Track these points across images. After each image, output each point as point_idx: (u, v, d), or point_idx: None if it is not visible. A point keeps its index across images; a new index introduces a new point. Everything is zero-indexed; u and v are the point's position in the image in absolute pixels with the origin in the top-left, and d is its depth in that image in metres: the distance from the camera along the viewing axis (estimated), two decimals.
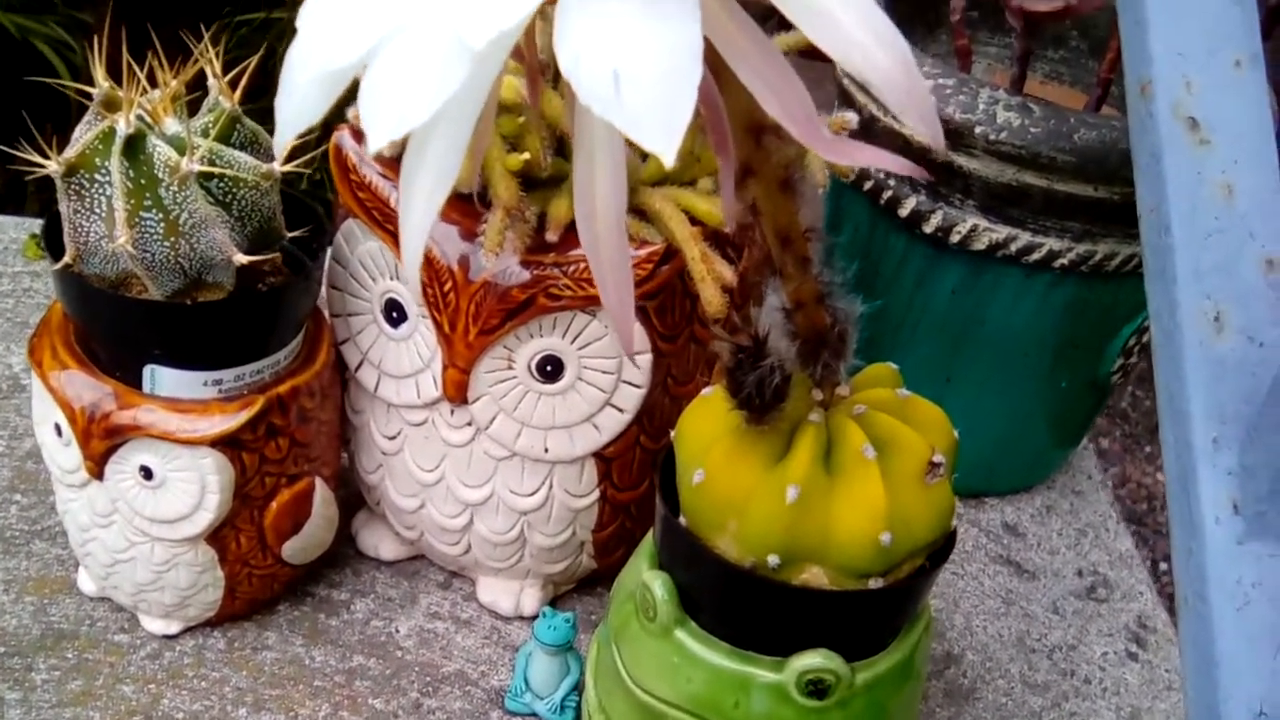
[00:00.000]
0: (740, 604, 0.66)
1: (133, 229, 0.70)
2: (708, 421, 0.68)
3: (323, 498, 0.83)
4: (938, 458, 0.67)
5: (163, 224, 0.71)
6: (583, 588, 0.90)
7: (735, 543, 0.66)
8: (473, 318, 0.76)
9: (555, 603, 0.89)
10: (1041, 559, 0.97)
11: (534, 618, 0.87)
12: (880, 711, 0.69)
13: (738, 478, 0.65)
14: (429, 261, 0.76)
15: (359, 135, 0.79)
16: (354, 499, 0.90)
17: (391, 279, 0.79)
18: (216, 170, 0.71)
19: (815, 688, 0.67)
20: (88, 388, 0.76)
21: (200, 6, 1.94)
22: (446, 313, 0.77)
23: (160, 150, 0.70)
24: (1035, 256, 0.87)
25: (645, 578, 0.70)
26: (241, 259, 0.72)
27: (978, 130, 0.84)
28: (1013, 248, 0.87)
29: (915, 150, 0.87)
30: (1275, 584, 0.61)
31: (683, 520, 0.68)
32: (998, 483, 1.02)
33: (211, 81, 0.74)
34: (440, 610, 0.88)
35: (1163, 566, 2.35)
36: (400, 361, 0.81)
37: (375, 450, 0.85)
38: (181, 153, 0.70)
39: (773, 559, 0.64)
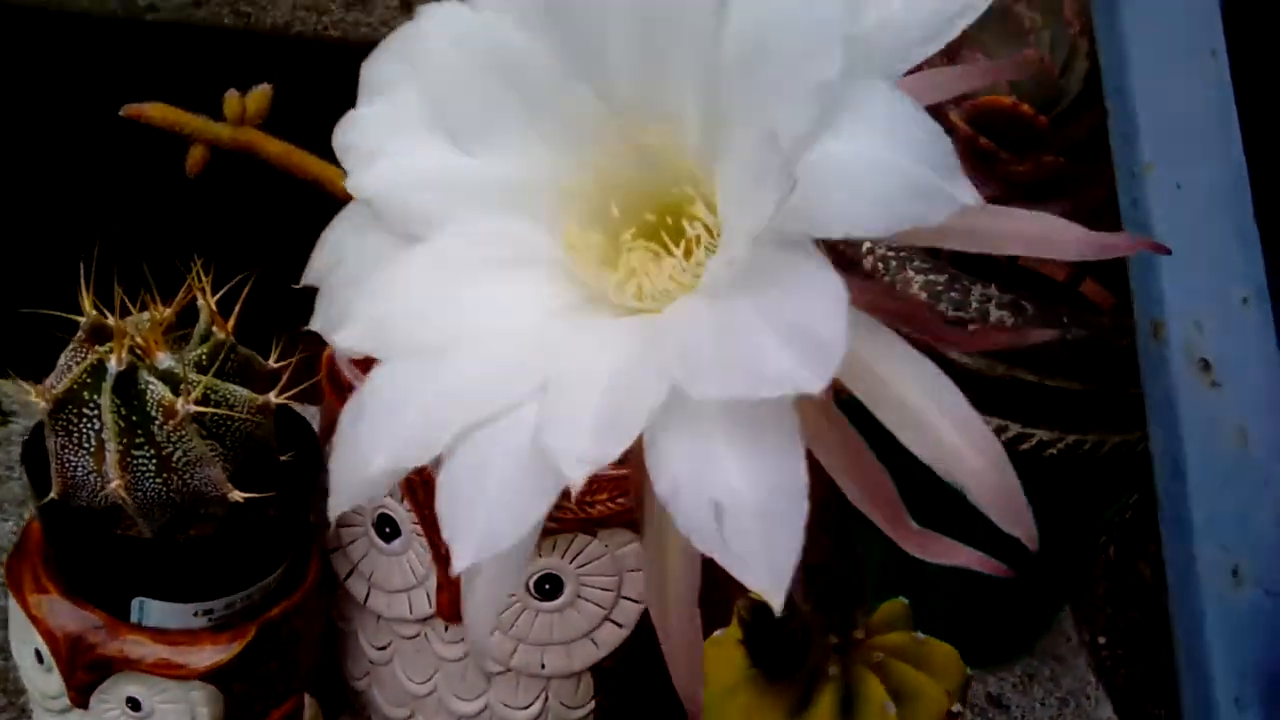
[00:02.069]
0: None
1: (126, 472, 0.68)
2: (721, 669, 0.67)
3: (311, 714, 0.80)
4: (956, 708, 0.67)
5: (155, 461, 0.68)
6: None
7: None
8: None
9: None
10: None
11: None
12: None
13: None
14: (425, 482, 0.74)
15: None
16: (339, 695, 0.88)
17: (385, 495, 0.78)
18: (211, 411, 0.69)
19: None
20: (72, 617, 0.73)
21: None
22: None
23: (154, 389, 0.68)
24: (1026, 446, 0.87)
25: None
26: (238, 496, 0.70)
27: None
28: (1003, 438, 0.87)
29: None
30: None
31: None
32: (982, 655, 1.02)
33: (202, 306, 0.72)
34: None
35: (1100, 639, 2.37)
36: (392, 576, 0.79)
37: (363, 658, 0.83)
38: (175, 390, 0.68)
39: None
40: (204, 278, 0.72)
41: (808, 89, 0.37)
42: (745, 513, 0.36)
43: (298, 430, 0.77)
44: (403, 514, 0.77)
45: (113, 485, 0.68)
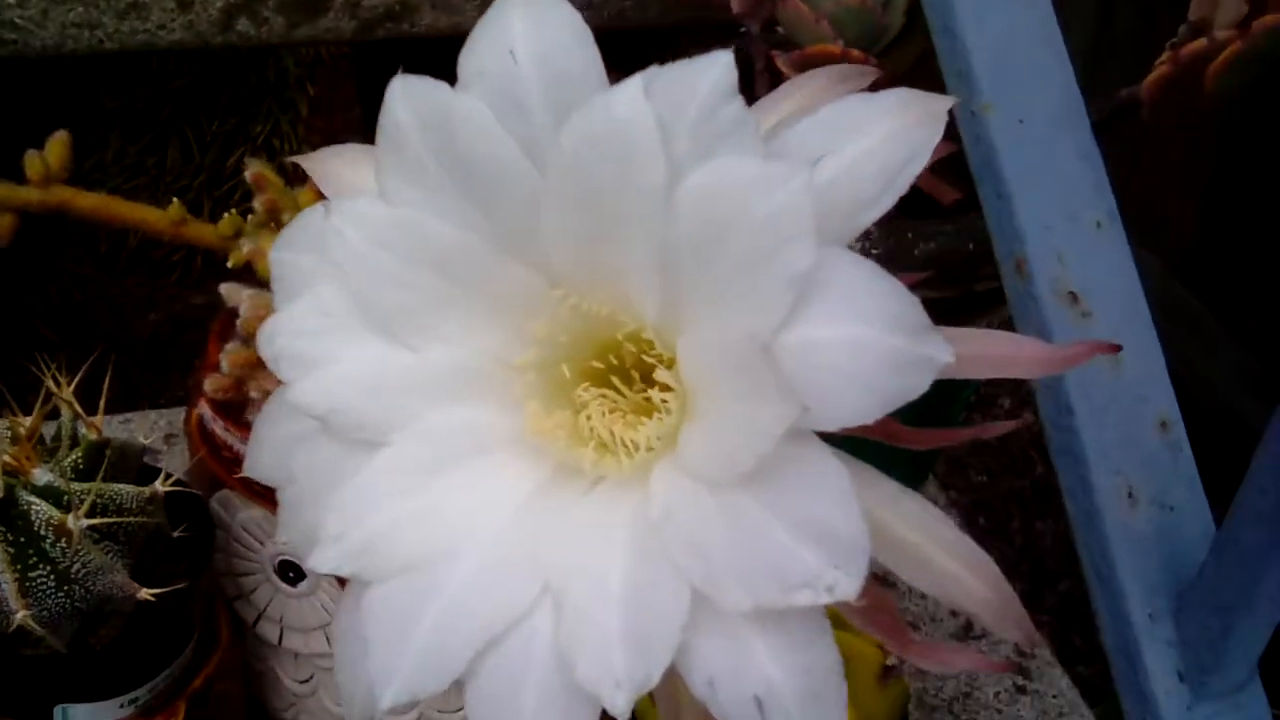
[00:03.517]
0: None
1: (26, 598, 0.65)
2: None
3: None
4: (890, 661, 0.70)
5: (53, 578, 0.66)
6: None
7: None
8: None
9: None
10: (916, 606, 1.02)
11: None
12: None
13: None
14: None
15: (217, 406, 0.75)
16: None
17: (283, 542, 0.76)
18: (104, 521, 0.66)
19: None
20: None
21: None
22: None
23: (37, 508, 0.65)
24: None
25: None
26: (147, 595, 0.68)
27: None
28: None
29: None
30: None
31: None
32: None
33: (63, 406, 0.69)
34: None
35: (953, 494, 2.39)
36: (304, 616, 0.78)
37: (285, 692, 0.83)
38: (59, 504, 0.65)
39: None
40: (60, 377, 0.68)
41: (780, 281, 0.36)
42: (787, 701, 0.37)
43: (185, 502, 0.74)
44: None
45: (19, 617, 0.65)
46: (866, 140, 0.39)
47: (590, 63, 0.39)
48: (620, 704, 0.37)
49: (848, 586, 0.35)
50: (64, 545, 0.65)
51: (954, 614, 1.03)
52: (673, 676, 0.44)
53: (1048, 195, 0.71)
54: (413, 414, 0.42)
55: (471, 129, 0.40)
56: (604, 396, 0.43)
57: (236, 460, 0.74)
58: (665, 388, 0.41)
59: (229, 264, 0.78)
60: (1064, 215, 0.70)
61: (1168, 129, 0.81)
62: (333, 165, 0.45)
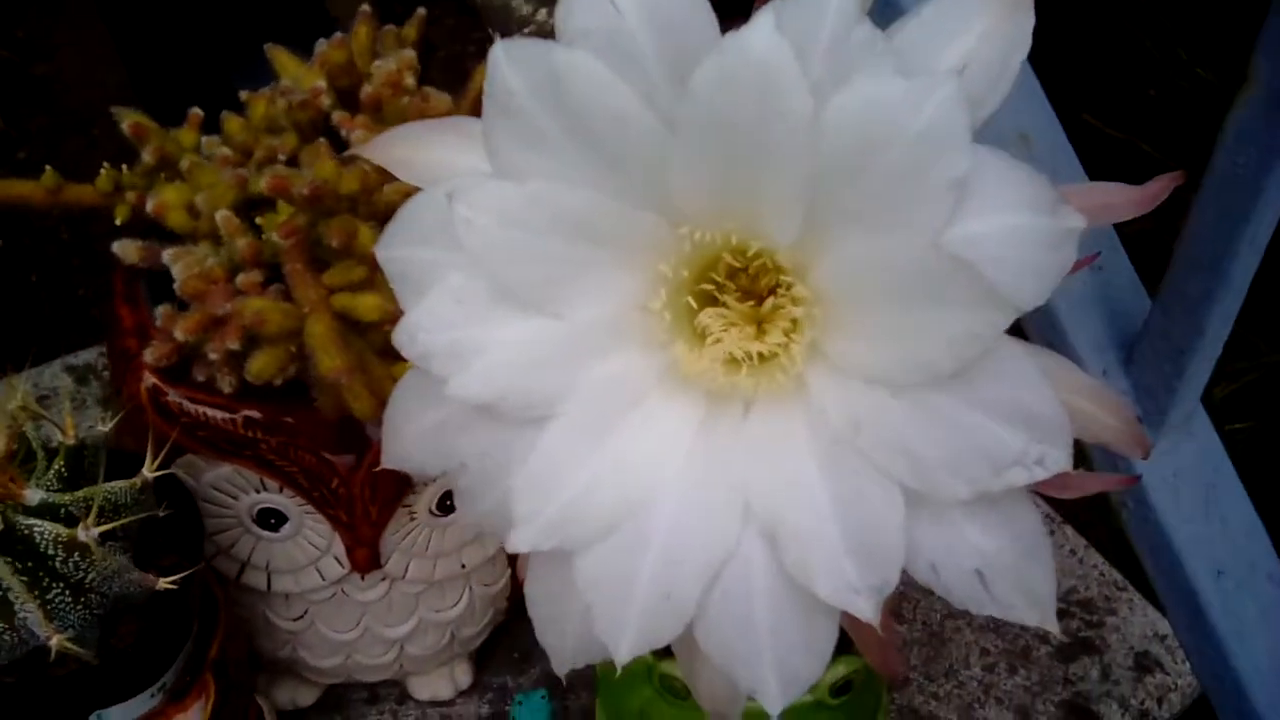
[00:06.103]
0: None
1: (53, 620, 0.64)
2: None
3: (268, 709, 0.81)
4: None
5: (68, 592, 0.64)
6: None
7: None
8: (370, 500, 0.74)
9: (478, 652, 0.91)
10: None
11: (471, 689, 0.89)
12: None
13: None
14: (305, 469, 0.73)
15: (160, 374, 0.72)
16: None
17: (258, 491, 0.75)
18: (110, 526, 0.64)
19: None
20: None
21: None
22: (340, 506, 0.74)
23: (40, 530, 0.63)
24: None
25: (664, 668, 0.74)
26: (166, 584, 0.67)
27: None
28: None
29: None
30: (1189, 464, 0.73)
31: None
32: None
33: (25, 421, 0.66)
34: None
35: None
36: (293, 557, 0.78)
37: (278, 632, 0.82)
38: (59, 520, 0.63)
39: None
40: (22, 392, 0.65)
41: (940, 189, 0.38)
42: (1004, 568, 0.41)
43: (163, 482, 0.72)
44: (285, 501, 0.75)
45: (54, 643, 0.63)
46: (968, 39, 0.40)
47: (696, 2, 0.40)
48: (868, 610, 0.39)
49: (1057, 458, 0.38)
50: (77, 559, 0.63)
51: None
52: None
53: None
54: (573, 380, 0.42)
55: (590, 87, 0.40)
56: (719, 315, 0.44)
57: (197, 423, 0.72)
58: (779, 292, 0.43)
59: (117, 220, 0.75)
60: None
61: None
62: (399, 150, 0.44)
